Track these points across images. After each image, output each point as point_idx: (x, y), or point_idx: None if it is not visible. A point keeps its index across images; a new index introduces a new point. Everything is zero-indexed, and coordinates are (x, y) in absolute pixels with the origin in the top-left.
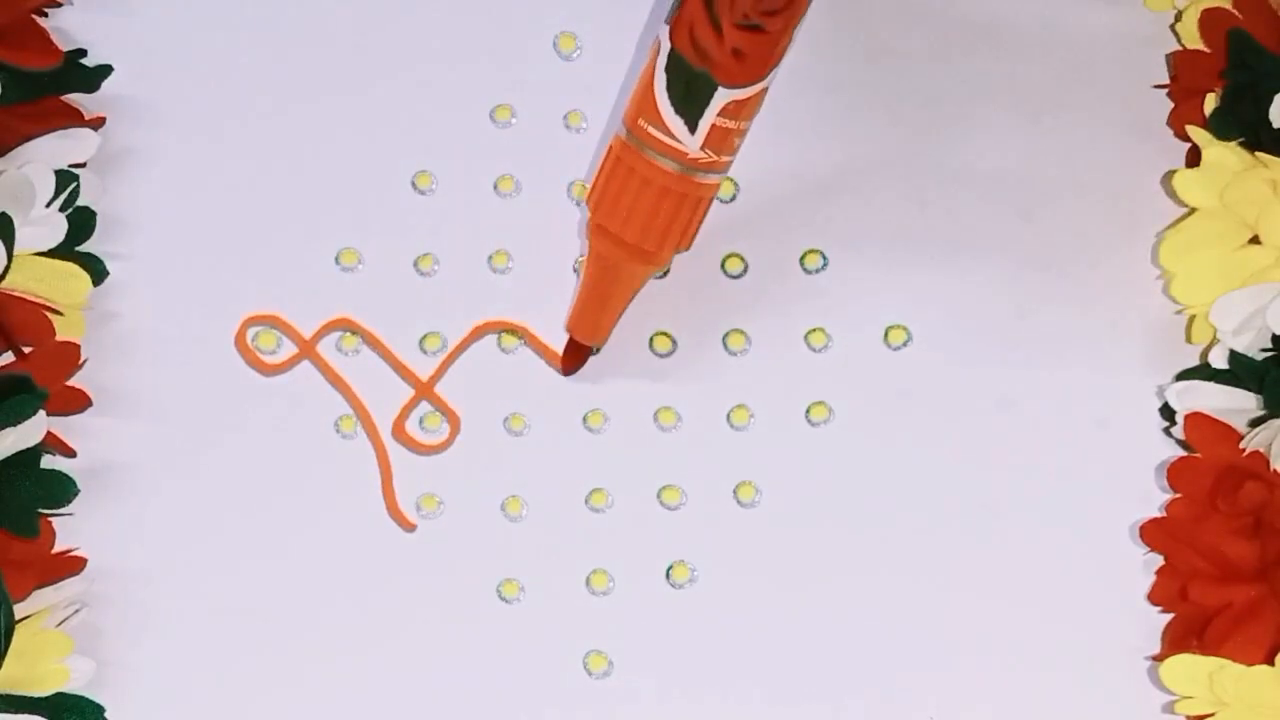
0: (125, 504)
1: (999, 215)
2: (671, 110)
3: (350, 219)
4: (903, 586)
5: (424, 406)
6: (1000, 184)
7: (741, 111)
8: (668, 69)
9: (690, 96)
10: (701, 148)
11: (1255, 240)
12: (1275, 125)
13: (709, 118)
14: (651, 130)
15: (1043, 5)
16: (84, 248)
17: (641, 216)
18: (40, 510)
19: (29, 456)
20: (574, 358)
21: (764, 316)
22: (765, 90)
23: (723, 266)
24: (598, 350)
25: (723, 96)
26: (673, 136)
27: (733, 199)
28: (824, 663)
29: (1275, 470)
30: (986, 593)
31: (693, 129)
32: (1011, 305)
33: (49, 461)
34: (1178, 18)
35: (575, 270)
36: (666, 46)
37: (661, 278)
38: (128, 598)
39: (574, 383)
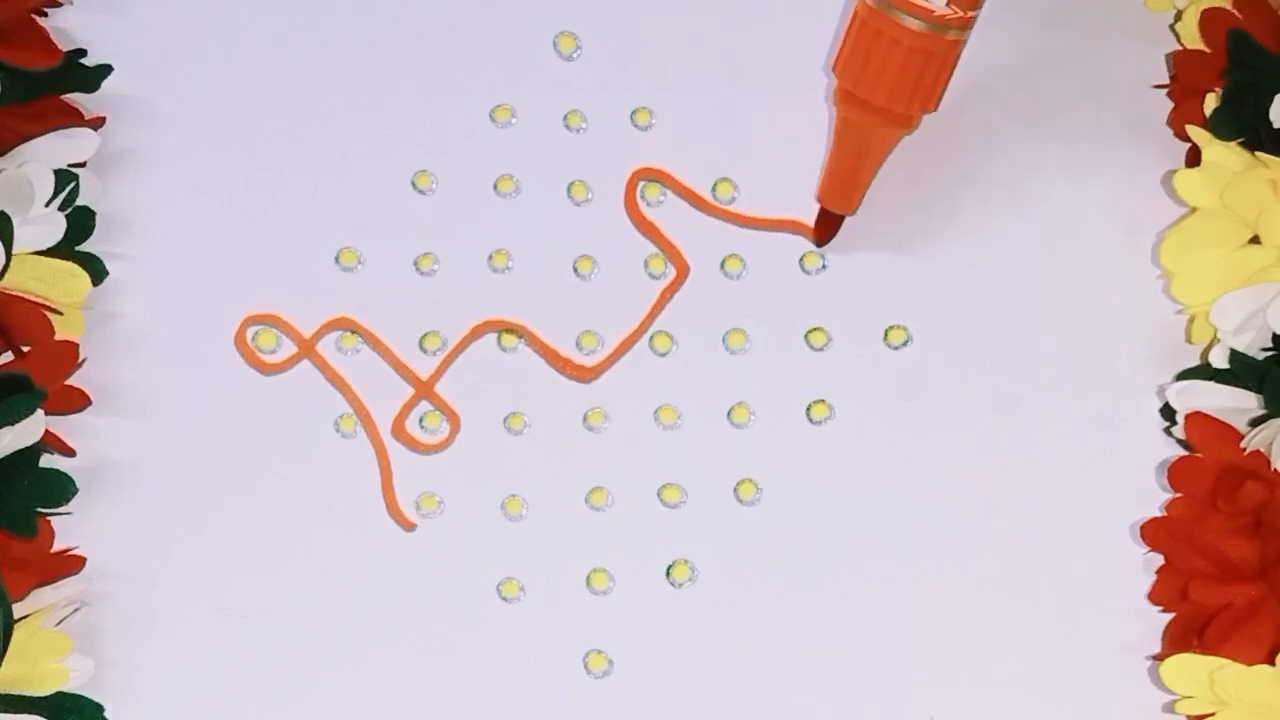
0: (124, 503)
1: (999, 215)
2: None
3: (350, 219)
4: (903, 586)
5: (424, 405)
6: (1000, 183)
7: None
8: None
9: None
10: (949, 4)
11: (1255, 240)
12: (1275, 125)
13: None
14: None
15: (1043, 5)
16: (83, 247)
17: (890, 78)
18: (39, 509)
19: (28, 455)
20: (827, 226)
21: (764, 316)
22: None
23: (723, 266)
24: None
25: None
26: None
27: (732, 200)
28: (824, 662)
29: (1276, 470)
30: (987, 592)
31: None
32: (1011, 305)
33: (48, 461)
34: (1178, 18)
35: (575, 270)
36: None
37: (910, 133)
38: (127, 597)
39: (574, 382)
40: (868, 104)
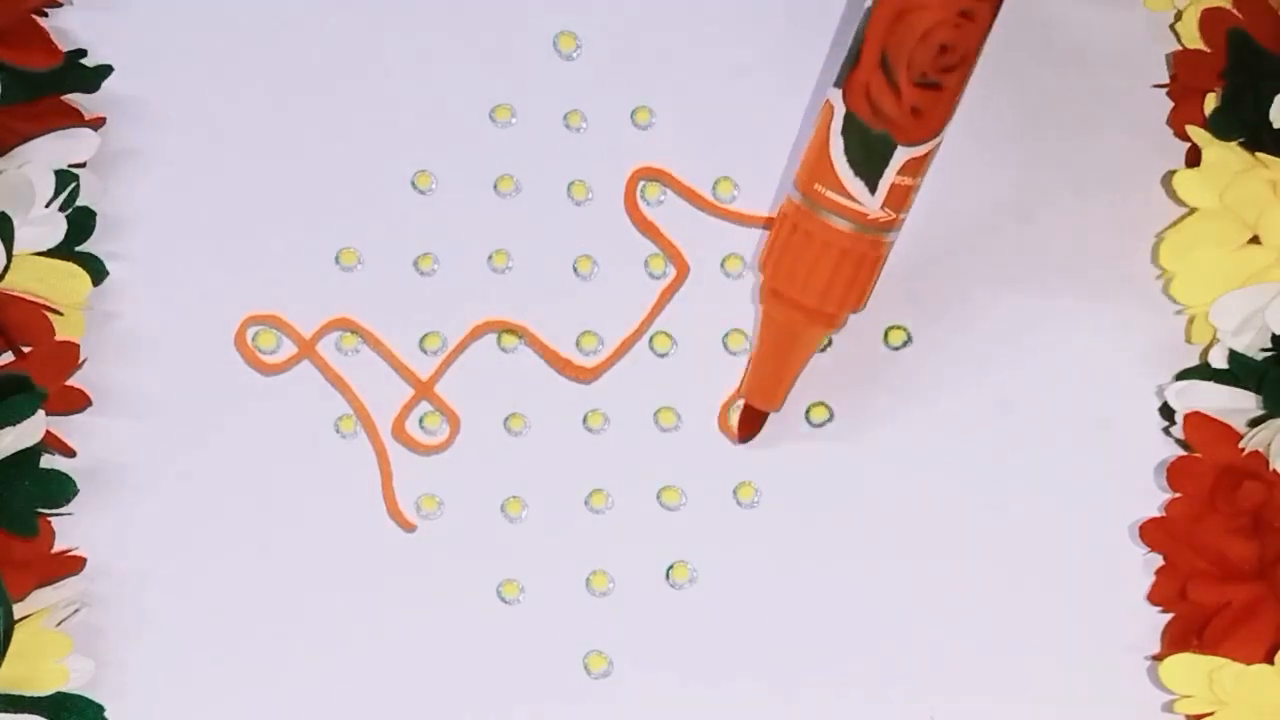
0: (125, 504)
1: (999, 215)
2: (851, 173)
3: (350, 219)
4: (903, 586)
5: (424, 406)
6: (1000, 183)
7: (919, 168)
8: (844, 132)
9: (870, 158)
10: (881, 207)
11: (1255, 240)
12: (1275, 125)
13: (889, 177)
14: (829, 194)
15: (1043, 5)
16: (84, 248)
17: (821, 280)
18: (39, 510)
19: (28, 456)
20: (751, 425)
21: None
22: (940, 144)
23: (722, 266)
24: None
25: (902, 155)
26: (852, 198)
27: (732, 199)
28: (824, 662)
29: (1275, 470)
30: (986, 592)
31: (873, 189)
32: (1011, 305)
33: (48, 461)
34: (1178, 17)
35: (575, 270)
36: (841, 110)
37: (825, 349)
38: (127, 597)
39: (574, 382)
40: (799, 304)
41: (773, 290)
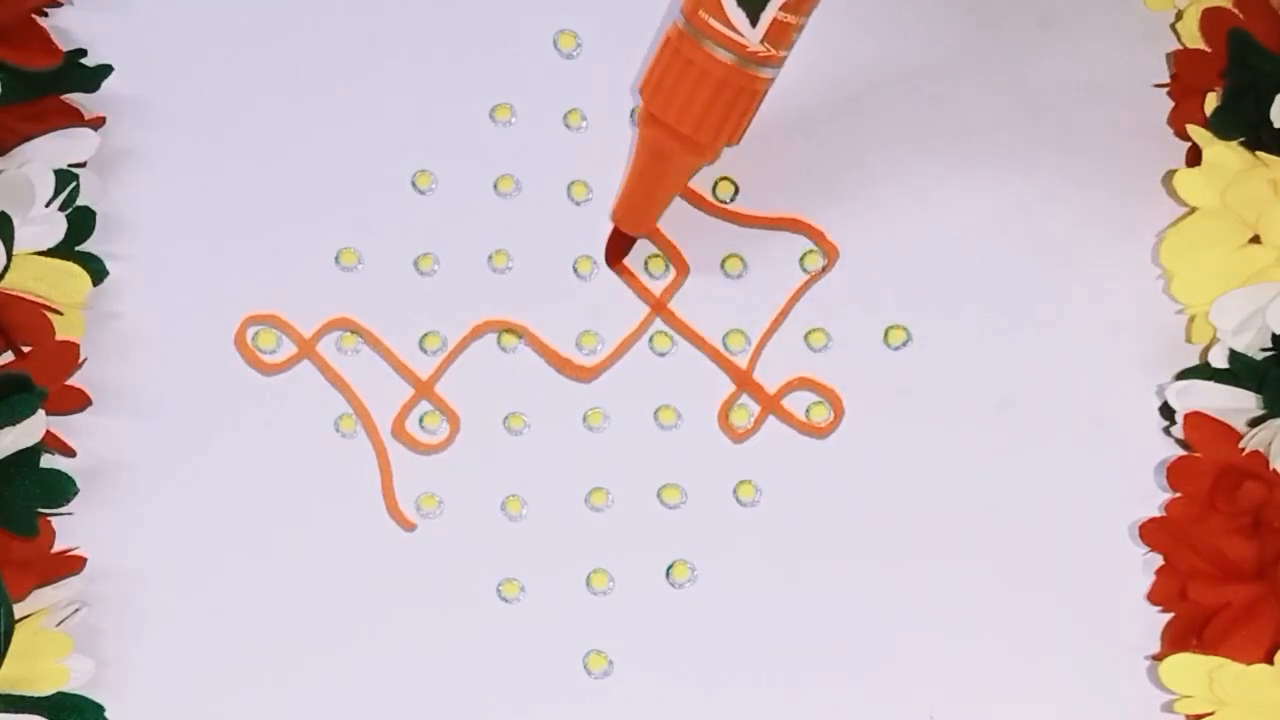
0: (125, 503)
1: (999, 215)
2: (734, 3)
3: (350, 219)
4: (903, 586)
5: (424, 405)
6: (1000, 184)
7: (802, 7)
8: None
9: None
10: (761, 41)
11: (1256, 240)
12: (1276, 125)
13: (771, 11)
14: (712, 21)
15: (1043, 5)
16: (84, 247)
17: (698, 108)
18: (40, 509)
19: (28, 456)
20: (618, 247)
21: (764, 316)
22: None
23: (723, 266)
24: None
25: None
26: (733, 29)
27: (733, 199)
28: (824, 662)
29: (1275, 470)
30: (986, 592)
31: (754, 22)
32: (1011, 305)
33: (48, 461)
34: (1178, 17)
35: (575, 270)
36: None
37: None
38: (127, 597)
39: (574, 382)
40: (673, 130)
41: (650, 114)
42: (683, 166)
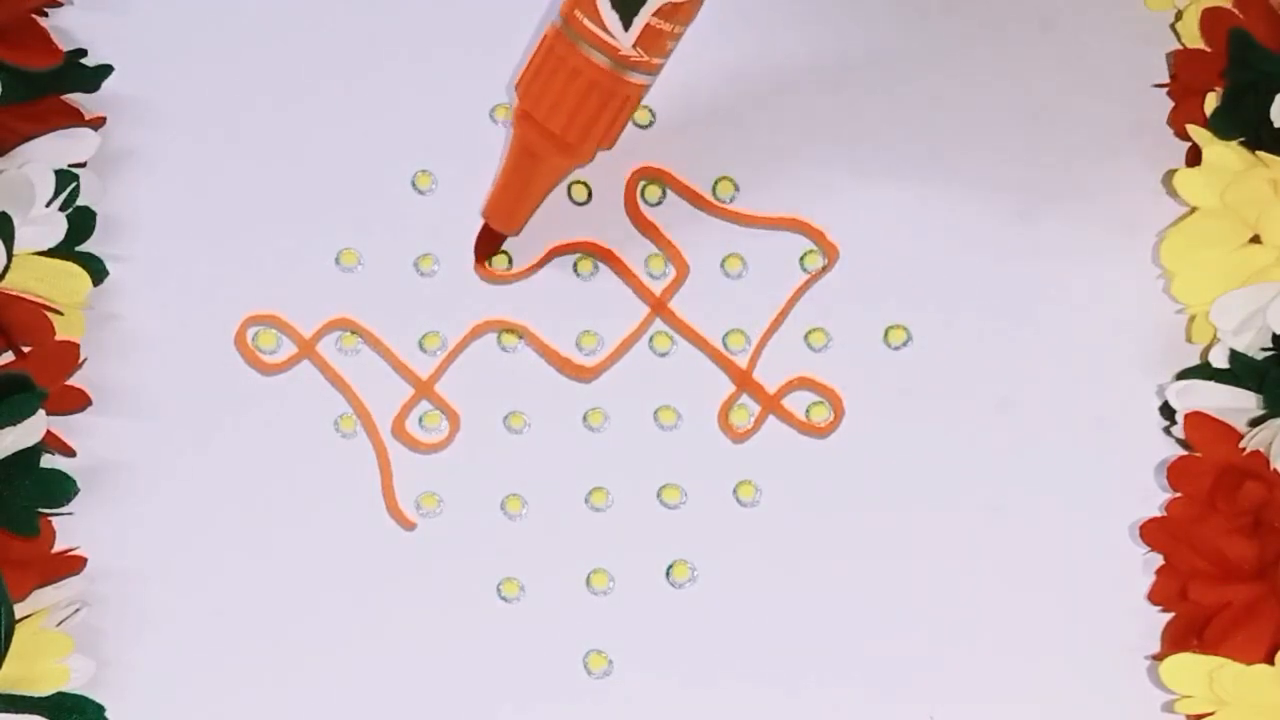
0: (125, 503)
1: (999, 215)
2: (609, 6)
3: (350, 219)
4: (903, 586)
5: (424, 405)
6: (1000, 184)
7: (677, 15)
8: None
9: None
10: (634, 46)
11: (1256, 240)
12: (1276, 125)
13: (644, 17)
14: (586, 23)
15: (1043, 5)
16: (84, 247)
17: (568, 108)
18: (40, 509)
19: (28, 456)
20: (487, 244)
21: (764, 316)
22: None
23: (723, 266)
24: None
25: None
26: (607, 31)
27: (732, 199)
28: (824, 662)
29: (1275, 470)
30: (987, 592)
31: (627, 26)
32: (1011, 304)
33: (49, 461)
34: (1178, 17)
35: (575, 270)
36: None
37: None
38: (128, 597)
39: (574, 381)
40: (543, 129)
41: (523, 112)
42: (553, 167)
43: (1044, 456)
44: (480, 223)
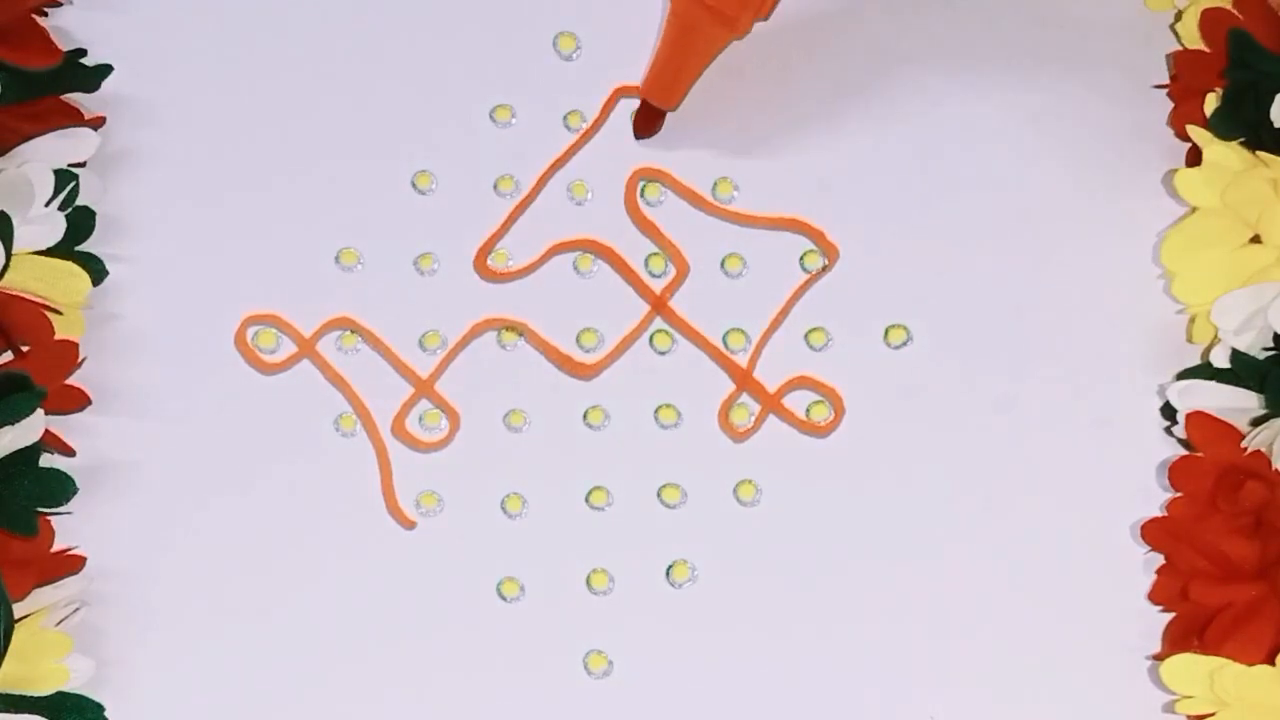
0: (124, 503)
1: (999, 215)
2: None
3: (350, 219)
4: (903, 586)
5: (424, 404)
6: (1000, 184)
7: None
8: None
9: None
10: None
11: (1256, 239)
12: (1276, 125)
13: None
14: None
15: (1043, 6)
16: (83, 247)
17: None
18: (39, 509)
19: (28, 455)
20: (648, 121)
21: (764, 316)
22: None
23: (723, 266)
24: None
25: None
26: None
27: (732, 200)
28: (824, 662)
29: (1276, 470)
30: (987, 592)
31: None
32: (1011, 305)
33: (48, 460)
34: (1178, 17)
35: (575, 269)
36: None
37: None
38: (128, 597)
39: (574, 380)
40: (701, 1)
41: None
42: (710, 39)
43: (1044, 456)
44: (637, 102)
